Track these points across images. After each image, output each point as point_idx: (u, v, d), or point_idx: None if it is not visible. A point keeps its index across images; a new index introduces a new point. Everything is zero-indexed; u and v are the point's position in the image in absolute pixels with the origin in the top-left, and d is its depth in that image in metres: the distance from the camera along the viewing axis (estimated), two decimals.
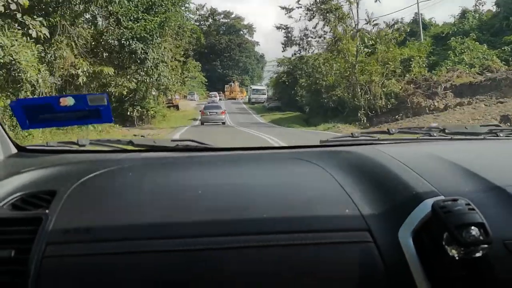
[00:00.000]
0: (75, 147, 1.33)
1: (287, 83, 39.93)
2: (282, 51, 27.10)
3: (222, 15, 75.70)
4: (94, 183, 1.02)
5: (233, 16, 76.85)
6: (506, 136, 1.45)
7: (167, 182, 1.06)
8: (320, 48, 24.37)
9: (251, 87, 56.51)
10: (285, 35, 25.52)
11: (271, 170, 1.15)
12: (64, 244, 0.82)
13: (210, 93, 58.08)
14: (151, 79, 18.02)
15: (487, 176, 0.95)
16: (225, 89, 60.60)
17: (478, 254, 0.74)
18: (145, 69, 16.83)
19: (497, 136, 1.45)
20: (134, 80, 20.45)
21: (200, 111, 28.63)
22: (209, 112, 26.79)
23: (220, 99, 56.33)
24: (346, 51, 21.40)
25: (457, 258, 0.75)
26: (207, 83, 63.86)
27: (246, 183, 1.06)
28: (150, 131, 19.12)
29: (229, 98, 58.10)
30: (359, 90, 21.21)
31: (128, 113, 27.49)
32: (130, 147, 1.32)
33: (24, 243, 0.82)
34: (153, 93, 30.20)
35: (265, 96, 52.34)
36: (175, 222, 0.87)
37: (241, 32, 77.31)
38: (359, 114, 20.42)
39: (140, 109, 28.09)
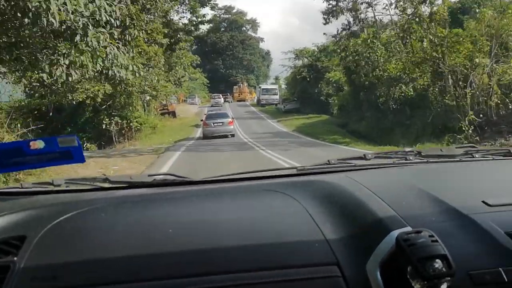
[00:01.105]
0: (50, 187, 1.32)
1: (308, 79, 32.40)
2: (325, 23, 19.11)
3: (223, 10, 71.18)
4: (66, 226, 1.01)
5: (234, 11, 72.87)
6: (481, 157, 1.47)
7: (139, 221, 1.06)
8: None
9: (260, 87, 49.32)
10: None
11: (245, 203, 1.17)
12: None
13: (213, 95, 52.53)
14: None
15: (454, 203, 0.96)
16: (234, 91, 56.01)
17: (443, 287, 0.73)
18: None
19: (473, 157, 1.47)
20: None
21: (201, 120, 22.38)
22: (214, 123, 20.35)
23: (227, 101, 50.96)
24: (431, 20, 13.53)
25: None
26: (208, 85, 60.54)
27: (218, 219, 1.06)
28: (117, 165, 11.49)
29: (238, 100, 52.91)
30: (452, 80, 13.34)
31: (104, 127, 20.26)
32: (106, 185, 1.32)
33: None
34: (147, 97, 23.18)
35: (277, 97, 45.36)
36: (144, 264, 0.86)
37: (244, 28, 73.76)
38: (462, 124, 12.56)
39: (119, 121, 20.68)
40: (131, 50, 8.01)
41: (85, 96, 17.19)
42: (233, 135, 19.91)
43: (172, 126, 26.56)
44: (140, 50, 14.20)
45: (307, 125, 24.86)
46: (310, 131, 21.77)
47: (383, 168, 1.42)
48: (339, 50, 21.08)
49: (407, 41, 15.20)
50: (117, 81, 10.58)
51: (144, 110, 26.71)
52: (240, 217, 1.07)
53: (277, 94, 45.81)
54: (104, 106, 20.63)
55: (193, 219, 1.06)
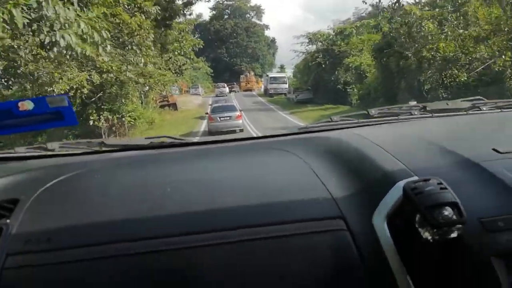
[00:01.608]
0: (43, 152, 1.30)
1: (323, 65, 29.04)
2: None
3: None
4: (59, 188, 1.00)
5: None
6: (489, 110, 1.42)
7: (135, 182, 1.03)
8: None
9: (267, 76, 45.82)
10: None
11: (244, 161, 1.14)
12: (25, 255, 0.79)
13: (217, 84, 49.49)
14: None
15: (464, 152, 0.93)
16: (241, 80, 53.29)
17: (453, 235, 0.71)
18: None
19: (480, 110, 1.42)
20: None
21: (206, 113, 19.95)
22: (220, 118, 17.95)
23: (233, 91, 48.19)
24: None
25: (431, 240, 0.72)
26: (212, 74, 58.52)
27: (218, 177, 1.03)
28: None
29: (245, 89, 50.01)
30: None
31: (93, 122, 17.21)
32: (101, 148, 1.29)
33: None
34: (146, 88, 20.15)
35: (286, 86, 41.95)
36: (141, 224, 0.84)
37: (248, 15, 71.36)
38: None
39: (109, 116, 17.60)
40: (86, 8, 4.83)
41: (68, 87, 14.13)
42: (241, 130, 17.64)
43: (173, 120, 23.45)
44: (118, 20, 10.80)
45: (326, 118, 21.67)
46: None
47: (388, 123, 1.38)
48: (380, 25, 17.63)
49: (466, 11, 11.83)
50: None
51: (142, 103, 23.69)
52: (241, 175, 1.04)
53: (286, 83, 42.46)
54: (93, 99, 17.69)
55: (193, 178, 1.03)
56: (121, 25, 11.59)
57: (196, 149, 1.27)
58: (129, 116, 18.67)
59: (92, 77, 13.85)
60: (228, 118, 17.69)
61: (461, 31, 12.17)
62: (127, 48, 12.17)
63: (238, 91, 48.72)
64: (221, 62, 65.22)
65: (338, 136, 1.17)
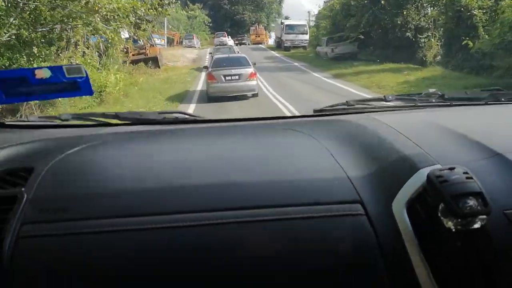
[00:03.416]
0: (57, 122, 1.29)
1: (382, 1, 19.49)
2: None
3: None
4: (74, 158, 0.99)
5: None
6: (508, 101, 1.39)
7: (149, 155, 1.03)
8: None
9: (282, 23, 35.77)
10: None
11: (261, 141, 1.12)
12: (40, 224, 0.78)
13: (217, 33, 40.77)
14: None
15: (487, 143, 0.91)
16: (251, 32, 46.63)
17: (476, 226, 0.69)
18: None
19: (499, 100, 1.39)
20: None
21: (205, 67, 14.19)
22: (225, 76, 11.83)
23: (243, 44, 40.33)
24: None
25: (453, 230, 0.70)
26: (210, 24, 51.31)
27: (234, 155, 1.02)
28: None
29: (254, 42, 42.17)
30: None
31: None
32: (115, 121, 1.28)
33: None
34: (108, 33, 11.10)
35: (307, 37, 32.53)
36: (157, 198, 0.84)
37: None
38: None
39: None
40: None
41: None
42: (256, 95, 12.03)
43: (149, 86, 14.41)
44: None
45: (403, 84, 12.73)
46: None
47: (406, 110, 1.36)
48: None
49: None
50: None
51: (100, 57, 14.71)
52: (256, 154, 1.02)
53: (307, 33, 32.87)
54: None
55: (207, 154, 1.01)
56: None
57: (210, 126, 1.25)
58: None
59: None
60: (236, 77, 11.75)
61: None
62: None
63: (249, 44, 40.92)
64: (220, 10, 56.05)
65: (356, 120, 1.15)
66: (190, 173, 0.91)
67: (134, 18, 12.28)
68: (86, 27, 10.20)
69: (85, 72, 1.07)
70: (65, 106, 9.56)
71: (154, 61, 18.48)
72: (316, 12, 36.24)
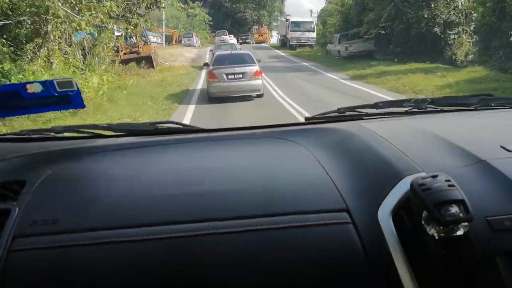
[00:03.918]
0: (49, 134, 1.29)
1: None
2: None
3: None
4: (66, 171, 1.00)
5: None
6: (498, 106, 1.40)
7: (142, 167, 1.04)
8: None
9: (287, 20, 33.75)
10: None
11: (252, 151, 1.13)
12: (31, 237, 0.79)
13: (218, 31, 39.15)
14: None
15: (472, 149, 0.92)
16: (254, 31, 46.63)
17: (459, 233, 0.70)
18: None
19: (489, 106, 1.41)
20: None
21: (205, 64, 12.58)
22: (227, 75, 10.39)
23: (247, 43, 39.22)
24: None
25: (437, 237, 0.71)
26: (210, 23, 49.07)
27: (225, 165, 1.04)
28: None
29: (258, 41, 41.67)
30: None
31: None
32: (107, 133, 1.28)
33: None
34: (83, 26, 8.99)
35: (314, 35, 30.51)
36: (148, 210, 0.85)
37: None
38: None
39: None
40: None
41: None
42: (260, 95, 10.73)
43: (139, 90, 12.35)
44: None
45: (441, 88, 10.68)
46: None
47: (396, 116, 1.38)
48: None
49: None
50: None
51: (84, 57, 12.68)
52: (247, 163, 1.04)
53: (314, 31, 30.93)
54: None
55: (199, 165, 1.03)
56: None
57: (203, 136, 1.26)
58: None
59: None
60: (240, 75, 10.50)
61: None
62: None
63: (252, 43, 40.25)
64: (221, 8, 54.23)
65: (346, 128, 1.17)
66: (181, 184, 0.92)
67: (117, 8, 10.24)
68: (52, 17, 8.13)
69: (76, 85, 1.08)
70: (32, 116, 7.57)
71: (148, 61, 16.41)
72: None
